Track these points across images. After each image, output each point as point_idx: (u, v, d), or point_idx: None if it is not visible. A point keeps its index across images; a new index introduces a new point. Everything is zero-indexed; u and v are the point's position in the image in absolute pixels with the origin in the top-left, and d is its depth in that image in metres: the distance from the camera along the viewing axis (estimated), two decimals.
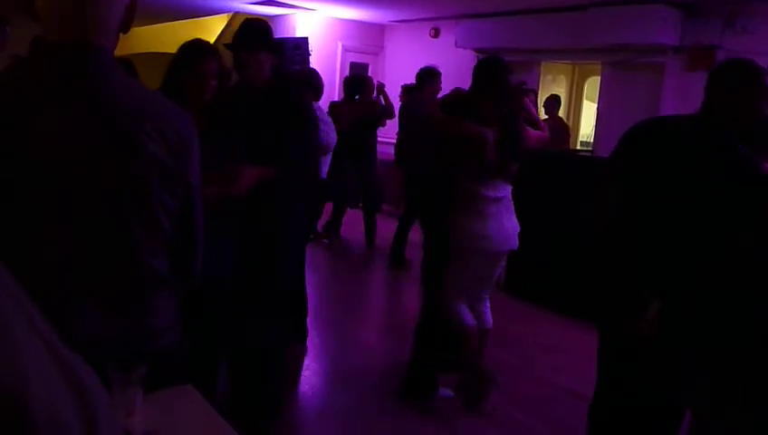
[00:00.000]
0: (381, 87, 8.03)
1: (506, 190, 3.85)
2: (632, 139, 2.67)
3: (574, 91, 10.35)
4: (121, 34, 1.56)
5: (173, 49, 2.96)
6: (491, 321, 4.07)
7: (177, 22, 12.60)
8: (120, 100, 1.49)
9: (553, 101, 8.41)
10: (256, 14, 11.44)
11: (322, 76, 5.98)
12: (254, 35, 3.19)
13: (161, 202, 1.54)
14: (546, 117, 7.90)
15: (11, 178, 1.39)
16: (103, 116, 1.45)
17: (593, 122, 9.15)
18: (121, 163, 1.47)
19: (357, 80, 8.23)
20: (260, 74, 3.20)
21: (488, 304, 4.08)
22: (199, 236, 1.71)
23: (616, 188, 2.68)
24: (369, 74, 11.91)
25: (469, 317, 3.94)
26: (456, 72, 10.15)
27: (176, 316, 1.67)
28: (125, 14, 1.53)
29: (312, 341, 4.85)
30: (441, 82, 7.30)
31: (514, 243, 3.87)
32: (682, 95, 7.66)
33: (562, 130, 8.30)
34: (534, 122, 4.13)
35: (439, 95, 7.54)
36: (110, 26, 1.50)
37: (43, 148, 1.40)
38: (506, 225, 3.83)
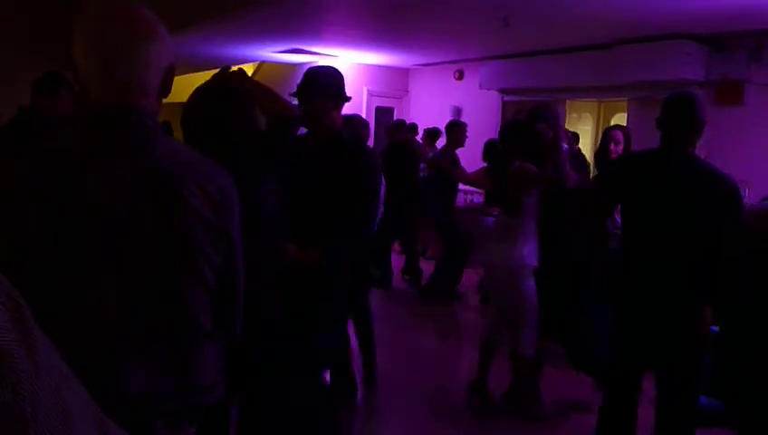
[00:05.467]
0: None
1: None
2: (616, 171, 3.53)
3: (600, 129, 10.31)
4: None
5: None
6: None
7: (202, 72, 12.82)
8: (162, 158, 1.51)
9: (571, 138, 8.42)
10: (282, 63, 11.65)
11: None
12: (325, 84, 3.14)
13: (206, 257, 1.55)
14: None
15: (58, 238, 1.41)
16: (146, 174, 1.48)
17: None
18: (166, 220, 1.49)
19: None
20: (333, 124, 3.16)
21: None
22: (240, 292, 1.71)
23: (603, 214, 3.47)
24: (395, 118, 12.04)
25: None
26: (482, 113, 10.22)
27: (221, 372, 1.66)
28: (164, 76, 1.57)
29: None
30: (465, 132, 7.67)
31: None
32: (710, 130, 7.59)
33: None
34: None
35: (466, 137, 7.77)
36: (150, 88, 1.54)
37: (87, 207, 1.43)
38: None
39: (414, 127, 9.00)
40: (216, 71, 2.58)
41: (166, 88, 1.59)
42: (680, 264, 3.03)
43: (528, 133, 4.28)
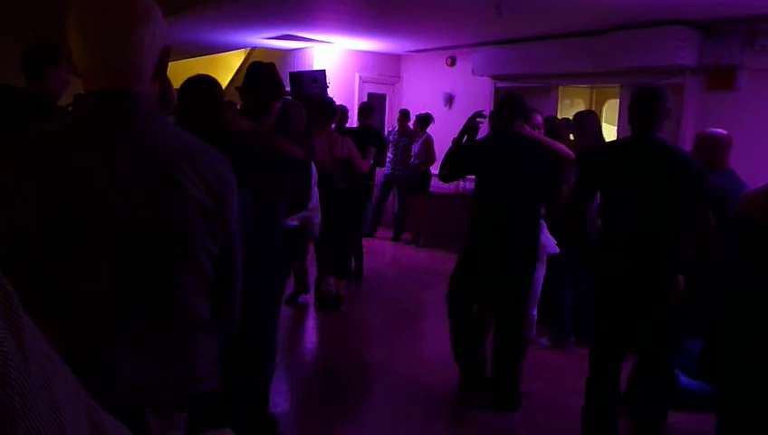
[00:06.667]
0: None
1: None
2: (596, 161, 3.67)
3: None
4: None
5: None
6: None
7: (194, 59, 12.75)
8: (159, 144, 1.49)
9: (563, 125, 8.38)
10: (274, 49, 11.59)
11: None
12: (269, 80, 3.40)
13: (203, 246, 1.52)
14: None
15: (53, 228, 1.39)
16: (143, 160, 1.46)
17: None
18: (163, 206, 1.47)
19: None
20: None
21: None
22: (239, 281, 1.68)
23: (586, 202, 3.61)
24: (387, 104, 12.02)
25: None
26: (474, 99, 10.19)
27: (216, 362, 1.64)
28: (159, 60, 1.54)
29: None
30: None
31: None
32: (702, 115, 7.60)
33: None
34: None
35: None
36: (145, 73, 1.51)
37: (84, 193, 1.41)
38: None
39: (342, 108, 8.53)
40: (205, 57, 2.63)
41: (160, 71, 1.56)
42: (656, 241, 3.36)
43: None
